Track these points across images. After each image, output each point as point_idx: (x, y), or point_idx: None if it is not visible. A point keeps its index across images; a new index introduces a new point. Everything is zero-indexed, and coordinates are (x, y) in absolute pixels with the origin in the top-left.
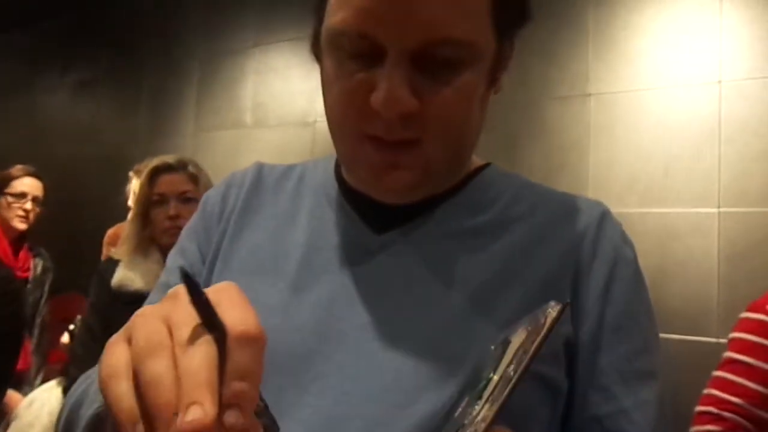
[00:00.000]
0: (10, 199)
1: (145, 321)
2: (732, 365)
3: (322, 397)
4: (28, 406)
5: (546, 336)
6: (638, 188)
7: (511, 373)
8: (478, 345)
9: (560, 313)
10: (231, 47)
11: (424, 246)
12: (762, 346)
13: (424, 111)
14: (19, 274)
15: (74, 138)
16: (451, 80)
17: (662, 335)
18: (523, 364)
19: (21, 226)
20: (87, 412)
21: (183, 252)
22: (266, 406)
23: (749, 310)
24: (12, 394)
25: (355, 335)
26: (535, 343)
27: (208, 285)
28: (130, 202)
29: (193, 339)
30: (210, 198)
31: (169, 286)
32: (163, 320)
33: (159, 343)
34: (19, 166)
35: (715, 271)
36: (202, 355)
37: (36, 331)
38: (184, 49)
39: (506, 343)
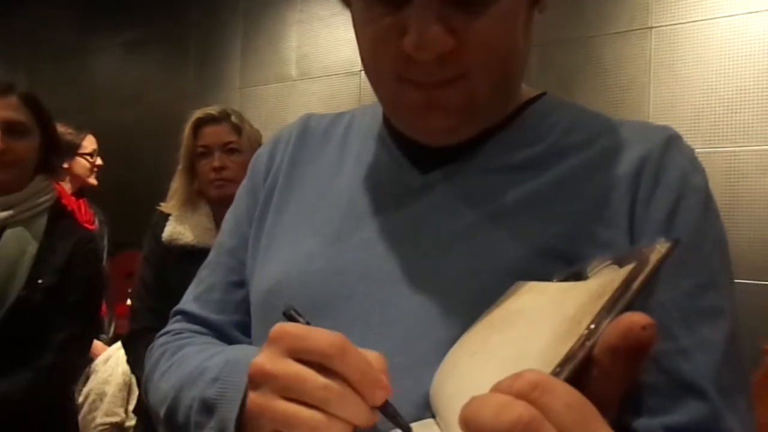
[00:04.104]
0: (86, 158)
1: None
2: None
3: (366, 336)
4: (104, 362)
5: (649, 275)
6: (702, 126)
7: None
8: (525, 278)
9: (670, 250)
10: None
11: (469, 183)
12: None
13: (461, 47)
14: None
15: (124, 98)
16: (487, 9)
17: None
18: (621, 302)
19: (95, 181)
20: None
21: (235, 211)
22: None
23: None
24: (96, 344)
25: (398, 274)
26: (637, 282)
27: (257, 242)
28: None
29: None
30: (260, 156)
31: (222, 246)
32: None
33: None
34: (69, 129)
35: None
36: None
37: None
38: (227, 2)
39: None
